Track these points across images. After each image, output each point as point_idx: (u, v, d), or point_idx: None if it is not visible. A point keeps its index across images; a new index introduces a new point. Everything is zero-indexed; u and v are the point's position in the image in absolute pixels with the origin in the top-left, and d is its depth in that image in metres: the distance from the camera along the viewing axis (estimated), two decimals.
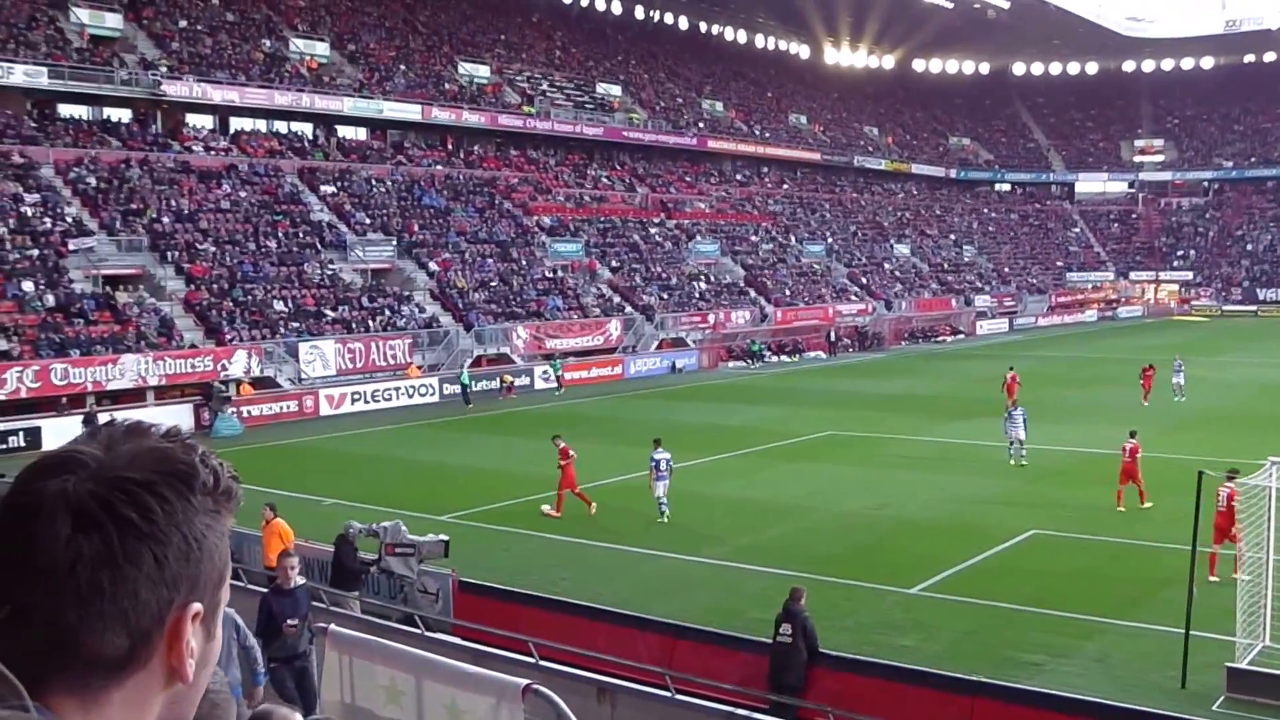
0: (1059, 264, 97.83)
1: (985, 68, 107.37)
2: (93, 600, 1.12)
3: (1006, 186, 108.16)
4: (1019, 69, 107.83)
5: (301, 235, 50.46)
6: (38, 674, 1.12)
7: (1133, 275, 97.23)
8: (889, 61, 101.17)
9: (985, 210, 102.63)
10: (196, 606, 1.19)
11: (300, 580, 12.51)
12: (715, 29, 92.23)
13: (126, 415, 1.38)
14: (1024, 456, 28.18)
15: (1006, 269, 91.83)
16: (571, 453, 23.93)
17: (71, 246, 42.24)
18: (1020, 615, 16.99)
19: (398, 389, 43.64)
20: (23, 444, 34.09)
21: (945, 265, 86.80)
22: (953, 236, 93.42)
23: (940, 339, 70.79)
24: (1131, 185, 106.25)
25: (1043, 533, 21.77)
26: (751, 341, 57.57)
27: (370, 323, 46.95)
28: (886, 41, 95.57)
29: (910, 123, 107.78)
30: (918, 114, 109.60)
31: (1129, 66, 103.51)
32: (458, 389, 43.79)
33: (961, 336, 72.89)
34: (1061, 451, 29.95)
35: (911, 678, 13.12)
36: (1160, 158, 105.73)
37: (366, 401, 42.36)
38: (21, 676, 1.11)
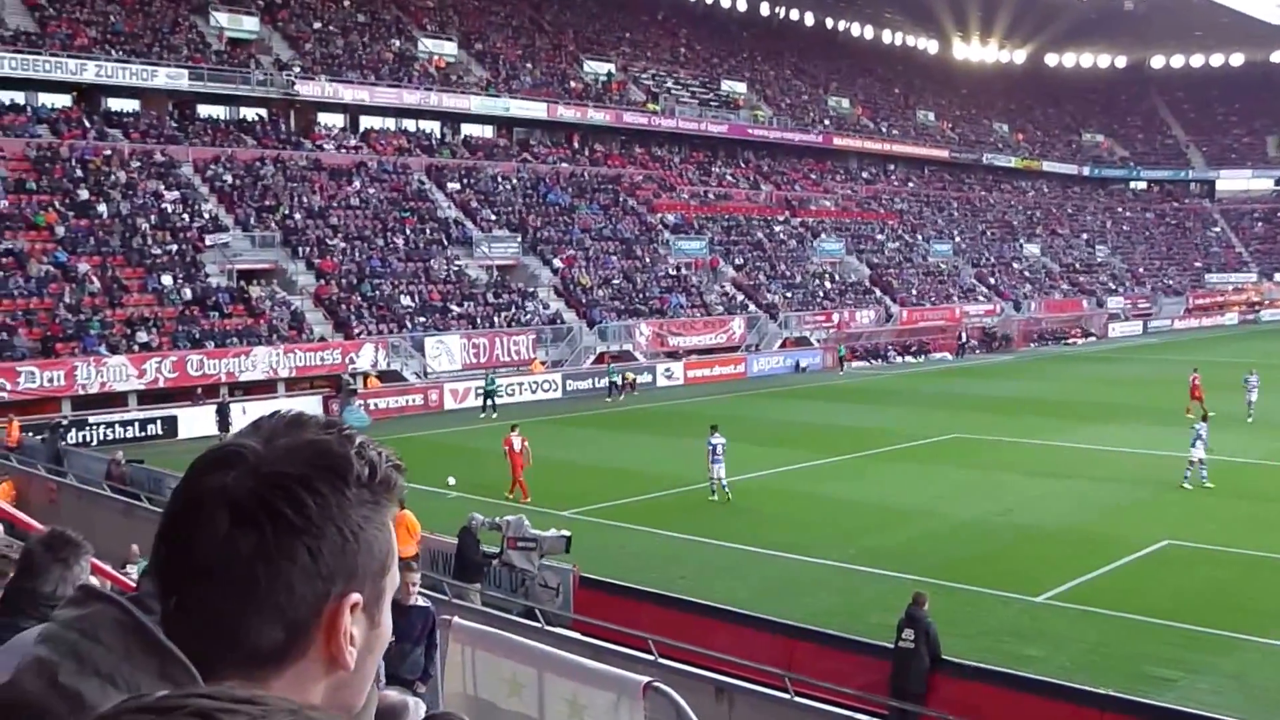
0: (1197, 265, 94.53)
1: (1121, 61, 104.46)
2: (249, 594, 1.15)
3: (1142, 184, 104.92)
4: (1157, 61, 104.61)
5: (428, 231, 51.31)
6: (205, 662, 1.15)
7: (1278, 277, 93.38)
8: (1020, 56, 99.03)
9: (1119, 209, 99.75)
10: (355, 597, 1.20)
11: (421, 601, 11.12)
12: (842, 25, 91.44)
13: (290, 406, 1.36)
14: (1205, 479, 25.55)
15: (1141, 269, 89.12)
16: (513, 447, 25.28)
17: (208, 242, 43.58)
18: (1152, 628, 16.47)
19: (521, 384, 44.09)
20: (160, 432, 35.26)
21: (1077, 265, 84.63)
22: (1085, 236, 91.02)
23: (1071, 341, 69.05)
24: (1278, 183, 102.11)
25: (1177, 543, 21.07)
26: (839, 347, 56.10)
27: (495, 318, 47.53)
28: (1018, 35, 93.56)
29: (1041, 119, 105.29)
30: (1049, 110, 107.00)
31: (1278, 57, 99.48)
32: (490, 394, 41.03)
33: (1093, 339, 71.01)
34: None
35: (1037, 688, 12.80)
36: None
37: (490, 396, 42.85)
38: (193, 663, 1.15)
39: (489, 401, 40.10)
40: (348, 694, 1.24)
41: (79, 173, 43.76)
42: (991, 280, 75.12)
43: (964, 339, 62.27)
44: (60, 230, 40.78)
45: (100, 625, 1.18)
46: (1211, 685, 14.21)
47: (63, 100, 48.07)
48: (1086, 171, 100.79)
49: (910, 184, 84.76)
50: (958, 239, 78.60)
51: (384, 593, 1.25)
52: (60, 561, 3.97)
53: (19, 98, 46.93)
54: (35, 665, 1.17)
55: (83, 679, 1.14)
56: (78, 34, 48.17)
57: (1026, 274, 79.04)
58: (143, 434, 34.86)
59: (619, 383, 44.90)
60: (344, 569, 1.19)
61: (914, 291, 67.64)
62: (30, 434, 30.91)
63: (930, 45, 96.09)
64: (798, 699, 11.39)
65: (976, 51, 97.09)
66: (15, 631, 2.25)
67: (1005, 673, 13.39)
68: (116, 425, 34.74)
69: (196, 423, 35.13)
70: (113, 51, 48.23)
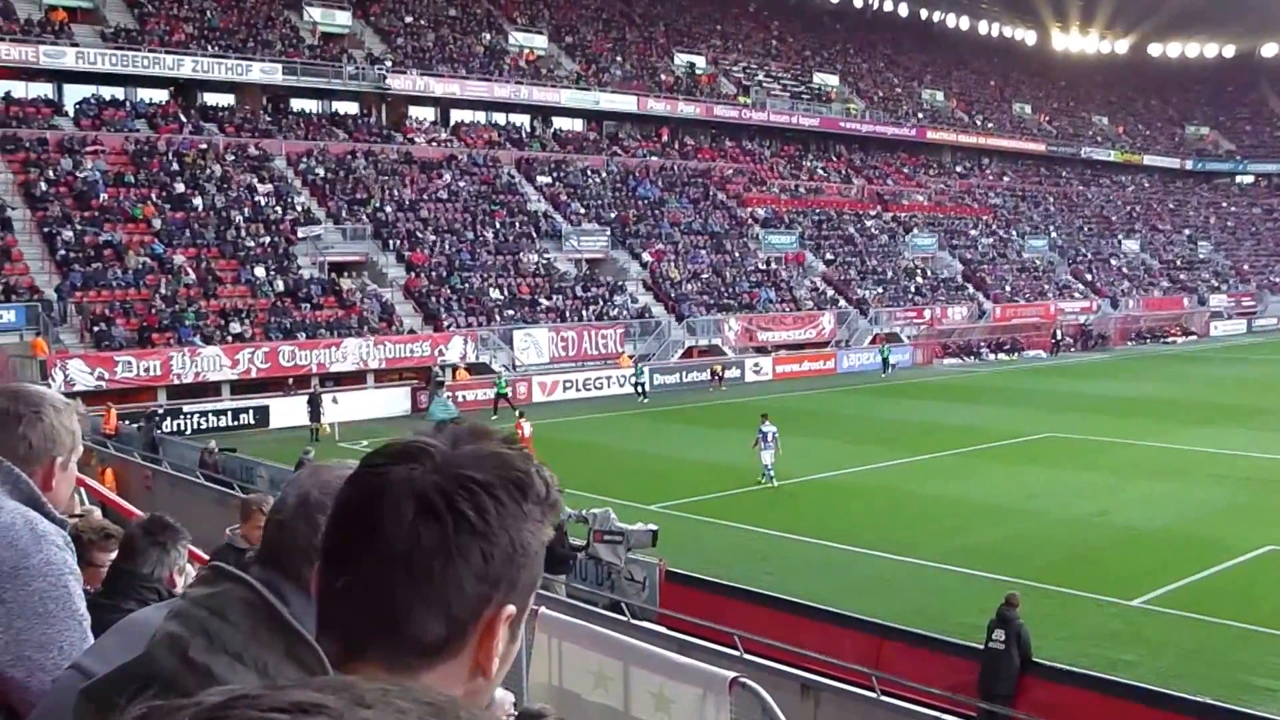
0: None
1: (1230, 50, 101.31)
2: (422, 585, 1.18)
3: (1249, 178, 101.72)
4: (1269, 50, 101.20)
5: (518, 225, 51.59)
6: (360, 645, 1.20)
7: None
8: (1122, 46, 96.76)
9: (1224, 204, 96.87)
10: (511, 608, 1.23)
11: None
12: (937, 16, 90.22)
13: (469, 419, 1.43)
14: None
15: (1246, 266, 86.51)
16: (522, 432, 26.24)
17: (300, 234, 44.30)
18: (1254, 636, 15.97)
19: (608, 378, 44.16)
20: (252, 422, 35.84)
21: (1178, 262, 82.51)
22: (1187, 231, 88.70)
23: (1170, 340, 67.40)
24: None
25: None
26: (882, 348, 52.66)
27: (583, 312, 47.65)
28: (1120, 25, 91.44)
29: (1143, 111, 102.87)
30: (1152, 101, 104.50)
31: None
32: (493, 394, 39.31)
33: (1193, 338, 69.22)
34: None
35: (1132, 694, 12.47)
36: None
37: (578, 390, 42.97)
38: (347, 644, 1.21)
39: (501, 402, 38.05)
40: (479, 701, 1.26)
41: (175, 166, 44.74)
42: (1088, 277, 73.62)
43: (1059, 337, 61.13)
44: (157, 223, 41.71)
45: (229, 604, 1.27)
46: None
47: (160, 95, 49.20)
48: (1190, 165, 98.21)
49: (1005, 178, 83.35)
50: (1054, 234, 77.14)
51: (526, 609, 1.28)
52: (158, 545, 4.13)
53: (119, 93, 48.15)
54: (167, 640, 1.26)
55: (212, 655, 1.22)
56: (175, 30, 49.27)
57: (1125, 270, 77.30)
58: (235, 423, 35.48)
59: (645, 385, 42.48)
60: (508, 578, 1.23)
61: (1008, 288, 66.53)
62: (126, 422, 31.60)
63: (1028, 36, 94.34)
64: (884, 698, 11.24)
65: (1076, 42, 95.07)
66: (118, 612, 2.25)
67: (1098, 677, 13.10)
68: (210, 414, 35.39)
69: (288, 413, 35.72)
70: (209, 47, 49.25)
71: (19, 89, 45.61)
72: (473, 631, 1.21)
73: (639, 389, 42.53)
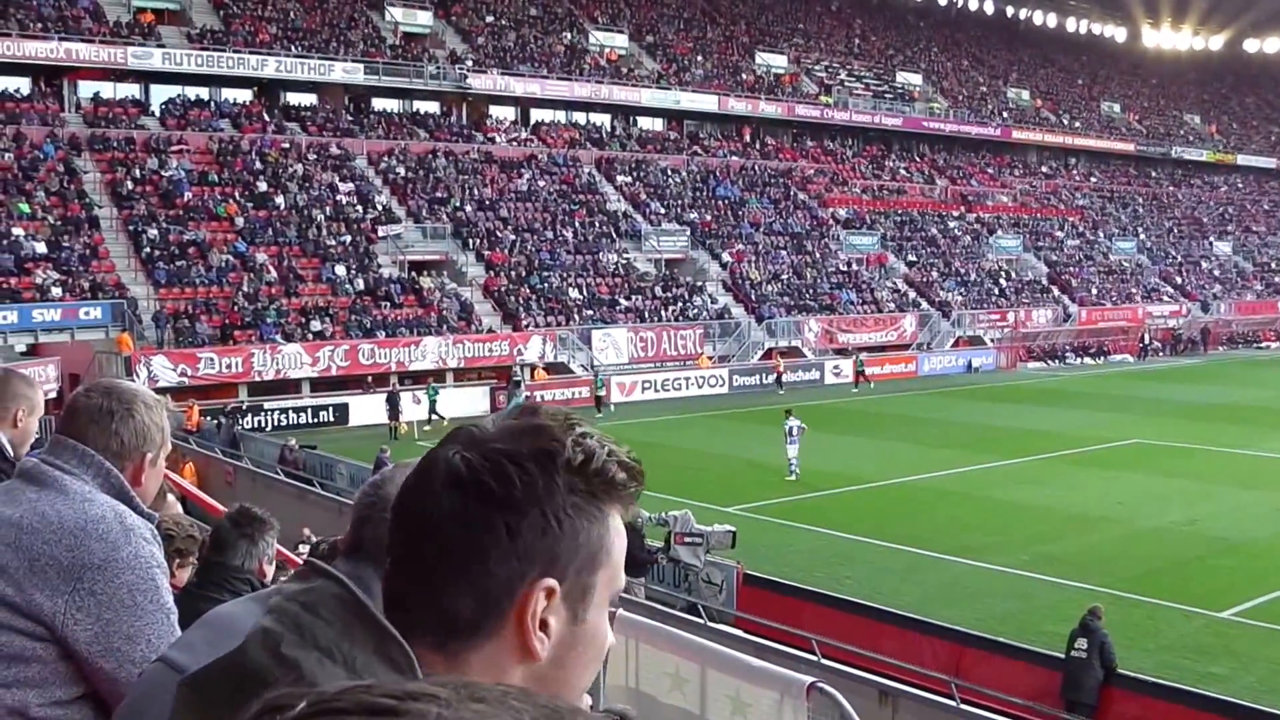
0: None
1: None
2: (447, 559, 1.19)
3: None
4: None
5: (598, 224, 51.70)
6: (410, 621, 1.21)
7: None
8: (1216, 42, 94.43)
9: None
10: (549, 583, 1.19)
11: None
12: (1023, 13, 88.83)
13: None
14: None
15: None
16: None
17: (381, 233, 44.77)
18: None
19: (688, 379, 44.09)
20: (332, 419, 36.25)
21: (1273, 265, 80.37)
22: None
23: (1264, 345, 65.74)
24: None
25: None
26: (857, 358, 47.18)
27: (663, 312, 47.61)
28: (1215, 20, 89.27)
29: (1238, 109, 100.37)
30: (1247, 99, 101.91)
31: None
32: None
33: None
34: None
35: (1220, 709, 12.17)
36: None
37: (656, 390, 42.92)
38: (400, 623, 1.22)
39: (433, 414, 35.61)
40: (552, 689, 1.22)
41: (258, 165, 45.44)
42: (1178, 280, 72.05)
43: (1147, 341, 59.91)
44: (240, 221, 42.39)
45: (321, 600, 1.28)
46: None
47: (244, 95, 50.03)
48: None
49: (1093, 179, 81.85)
50: (1142, 236, 75.61)
51: (592, 588, 1.24)
52: (246, 537, 4.23)
53: (204, 93, 49.06)
54: (261, 635, 1.27)
55: (302, 650, 1.23)
56: (259, 31, 50.07)
57: (1216, 273, 75.56)
58: (315, 420, 35.91)
59: (604, 396, 39.64)
60: (544, 553, 1.19)
61: (1094, 291, 65.33)
62: (208, 418, 32.16)
63: (1118, 33, 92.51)
64: (964, 706, 11.08)
65: (1168, 39, 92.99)
66: (211, 602, 2.27)
67: (1185, 690, 12.78)
68: (290, 411, 35.86)
69: (367, 411, 36.10)
70: (292, 47, 49.92)
71: (107, 89, 46.74)
72: (510, 611, 1.19)
73: (599, 403, 39.08)
